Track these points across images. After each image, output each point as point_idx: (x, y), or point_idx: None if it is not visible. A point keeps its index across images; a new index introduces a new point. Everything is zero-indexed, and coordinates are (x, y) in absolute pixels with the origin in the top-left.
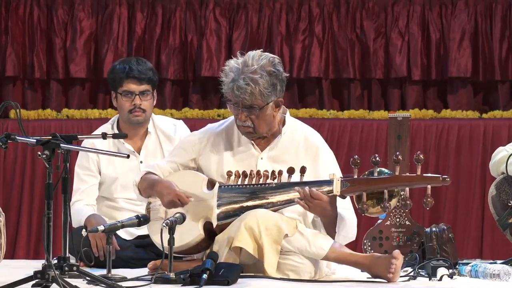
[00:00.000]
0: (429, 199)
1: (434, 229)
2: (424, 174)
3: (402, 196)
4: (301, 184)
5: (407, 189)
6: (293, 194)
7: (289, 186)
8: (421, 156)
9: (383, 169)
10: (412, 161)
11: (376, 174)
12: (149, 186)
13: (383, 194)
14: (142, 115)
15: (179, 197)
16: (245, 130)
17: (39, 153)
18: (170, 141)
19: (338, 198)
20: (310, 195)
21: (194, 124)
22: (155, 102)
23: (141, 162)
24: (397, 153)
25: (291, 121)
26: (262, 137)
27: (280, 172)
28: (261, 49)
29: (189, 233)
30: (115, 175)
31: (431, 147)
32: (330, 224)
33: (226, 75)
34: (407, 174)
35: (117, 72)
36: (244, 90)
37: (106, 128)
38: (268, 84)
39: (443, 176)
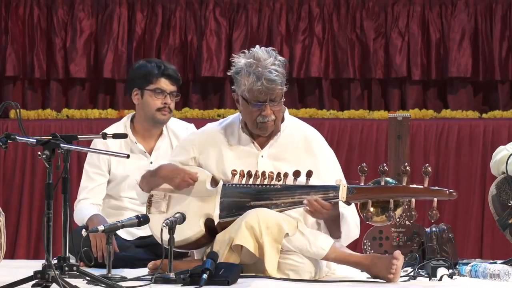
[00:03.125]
0: (434, 212)
1: (434, 229)
2: (431, 187)
3: (407, 206)
4: (307, 188)
5: (413, 200)
6: (298, 198)
7: (294, 189)
8: (429, 168)
9: (388, 179)
10: (413, 163)
11: (382, 183)
12: (151, 175)
13: (389, 204)
14: (168, 115)
15: (190, 175)
16: (269, 125)
17: (39, 153)
18: None
19: (341, 202)
20: (321, 206)
21: (194, 124)
22: None
23: (151, 162)
24: (406, 164)
25: (290, 119)
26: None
27: (286, 174)
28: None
29: (190, 229)
30: (125, 173)
31: (431, 147)
32: (333, 225)
33: (247, 75)
34: (414, 185)
35: (150, 69)
36: (275, 81)
37: (119, 126)
38: (283, 71)
39: (449, 190)
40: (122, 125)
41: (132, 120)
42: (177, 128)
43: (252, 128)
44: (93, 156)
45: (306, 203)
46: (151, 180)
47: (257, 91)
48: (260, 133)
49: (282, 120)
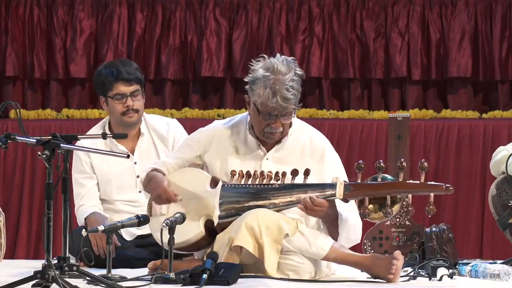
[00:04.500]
0: (431, 207)
1: (434, 229)
2: (428, 182)
3: (405, 203)
4: (304, 186)
5: (410, 195)
6: (296, 196)
7: (292, 188)
8: (425, 164)
9: (386, 175)
10: (413, 163)
11: (379, 179)
12: (147, 181)
13: (386, 200)
14: (135, 115)
15: (165, 192)
16: (276, 136)
17: (39, 153)
18: (163, 141)
19: (340, 201)
20: (313, 204)
21: (194, 124)
22: (144, 100)
23: (135, 163)
24: (402, 159)
25: (298, 123)
26: None
27: (284, 174)
28: (261, 49)
29: (190, 230)
30: (109, 176)
31: (431, 147)
32: (332, 225)
33: (263, 88)
34: (411, 181)
35: (105, 76)
36: (290, 101)
37: (97, 130)
38: (299, 88)
39: (446, 185)
40: (100, 128)
41: (109, 123)
42: (158, 124)
43: (259, 135)
44: (77, 162)
45: (299, 200)
46: (147, 187)
47: (271, 107)
48: (266, 140)
49: (290, 124)
